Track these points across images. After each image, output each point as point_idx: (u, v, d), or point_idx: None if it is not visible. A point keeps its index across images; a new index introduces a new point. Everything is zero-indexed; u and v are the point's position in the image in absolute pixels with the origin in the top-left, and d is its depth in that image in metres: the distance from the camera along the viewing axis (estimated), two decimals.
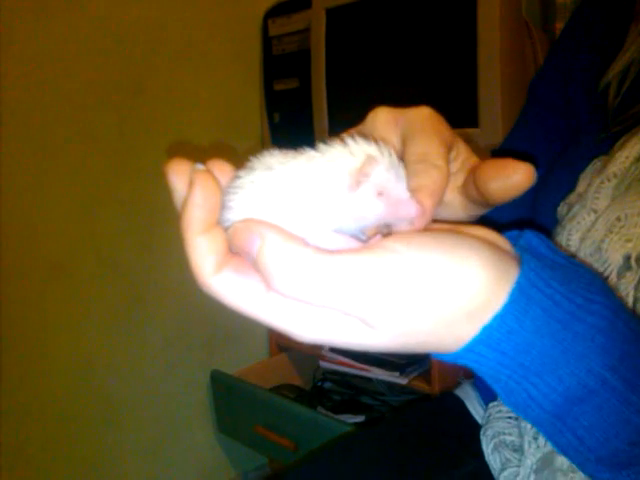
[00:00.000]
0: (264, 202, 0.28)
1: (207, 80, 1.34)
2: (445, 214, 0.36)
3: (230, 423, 1.38)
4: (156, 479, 1.34)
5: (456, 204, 0.35)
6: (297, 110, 1.34)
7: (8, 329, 1.09)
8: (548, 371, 0.27)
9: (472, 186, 0.33)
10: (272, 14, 1.36)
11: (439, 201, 0.30)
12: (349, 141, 0.29)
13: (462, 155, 0.35)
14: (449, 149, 0.33)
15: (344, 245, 0.27)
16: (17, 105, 1.08)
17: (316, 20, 1.19)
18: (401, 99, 1.12)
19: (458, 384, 0.66)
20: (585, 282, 0.28)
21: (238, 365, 1.41)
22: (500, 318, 0.26)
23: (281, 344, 1.45)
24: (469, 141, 0.36)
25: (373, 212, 0.28)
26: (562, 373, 0.27)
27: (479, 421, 0.60)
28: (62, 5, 1.11)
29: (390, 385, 1.28)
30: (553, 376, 0.27)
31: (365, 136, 0.30)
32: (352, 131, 0.34)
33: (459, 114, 1.03)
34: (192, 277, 0.27)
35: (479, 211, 0.36)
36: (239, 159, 0.30)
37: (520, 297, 0.26)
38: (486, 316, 0.26)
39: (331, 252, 0.25)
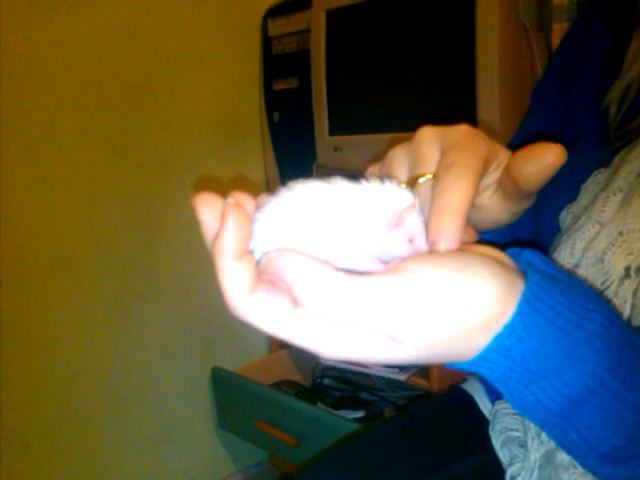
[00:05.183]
0: (296, 229, 0.31)
1: (207, 79, 1.35)
2: (485, 216, 0.39)
3: (231, 419, 1.40)
4: (157, 475, 1.35)
5: (496, 206, 0.39)
6: (297, 109, 1.35)
7: (9, 323, 1.10)
8: (553, 375, 0.29)
9: (507, 179, 0.36)
10: (272, 14, 1.37)
11: (464, 217, 0.32)
12: (386, 181, 0.32)
13: (503, 164, 0.37)
14: (486, 160, 0.35)
15: (371, 265, 0.30)
16: (18, 101, 1.09)
17: (316, 21, 1.20)
18: (401, 99, 1.13)
19: (464, 380, 0.67)
20: (581, 293, 0.31)
21: (238, 362, 1.43)
22: (510, 328, 0.29)
23: (280, 341, 1.46)
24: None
25: (398, 253, 0.32)
26: (566, 376, 0.29)
27: (487, 415, 0.61)
28: (63, 2, 1.11)
29: (389, 381, 1.30)
30: (558, 379, 0.29)
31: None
32: (395, 149, 0.37)
33: (458, 113, 1.04)
34: (222, 299, 0.29)
35: (518, 206, 0.39)
36: (256, 189, 0.32)
37: (526, 308, 0.29)
38: (497, 326, 0.29)
39: (359, 275, 0.27)
